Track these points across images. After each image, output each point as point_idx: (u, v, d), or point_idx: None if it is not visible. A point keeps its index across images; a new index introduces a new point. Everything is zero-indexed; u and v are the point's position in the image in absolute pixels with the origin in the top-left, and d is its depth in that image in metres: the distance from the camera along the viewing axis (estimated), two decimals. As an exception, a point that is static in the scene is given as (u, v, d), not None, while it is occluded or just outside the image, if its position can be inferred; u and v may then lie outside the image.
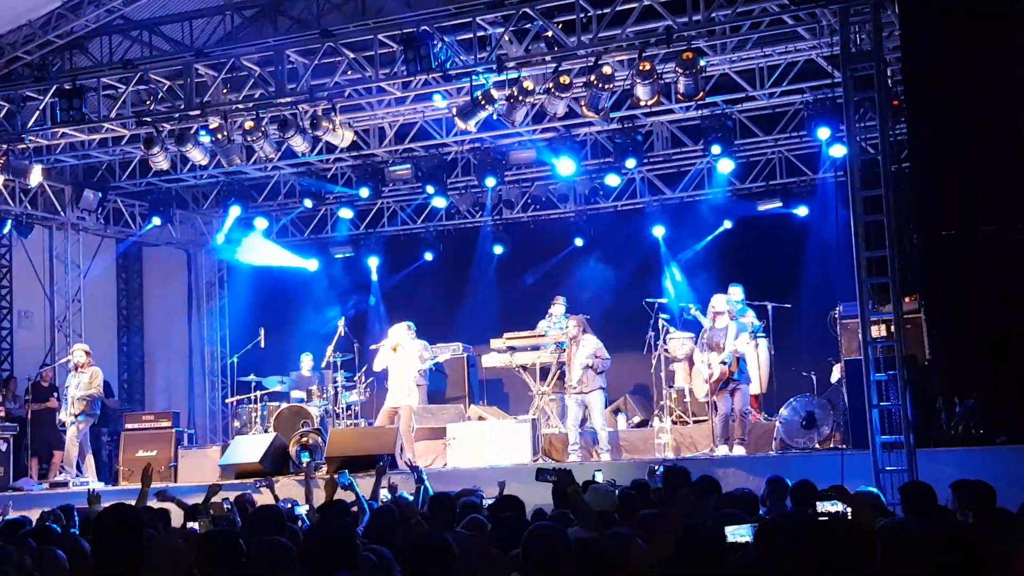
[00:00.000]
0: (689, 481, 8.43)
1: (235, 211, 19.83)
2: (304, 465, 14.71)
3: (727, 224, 19.18)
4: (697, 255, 19.40)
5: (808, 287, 17.16)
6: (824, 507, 5.89)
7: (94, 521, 5.51)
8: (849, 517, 5.76)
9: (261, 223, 21.09)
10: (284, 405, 17.90)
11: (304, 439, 15.81)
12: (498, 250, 20.59)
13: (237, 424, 18.68)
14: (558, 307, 17.41)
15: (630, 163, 17.63)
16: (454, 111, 15.42)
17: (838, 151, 15.71)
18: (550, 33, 14.35)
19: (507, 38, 14.60)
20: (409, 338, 16.49)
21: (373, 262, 21.61)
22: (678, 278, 19.40)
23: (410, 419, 16.02)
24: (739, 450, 14.28)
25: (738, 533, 5.96)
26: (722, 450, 14.36)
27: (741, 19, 14.12)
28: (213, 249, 22.70)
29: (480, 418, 16.72)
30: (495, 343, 17.01)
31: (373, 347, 16.96)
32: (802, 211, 18.52)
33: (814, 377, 15.38)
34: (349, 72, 15.36)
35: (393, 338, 16.44)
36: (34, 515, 11.12)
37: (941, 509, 6.97)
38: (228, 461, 16.17)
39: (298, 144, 15.77)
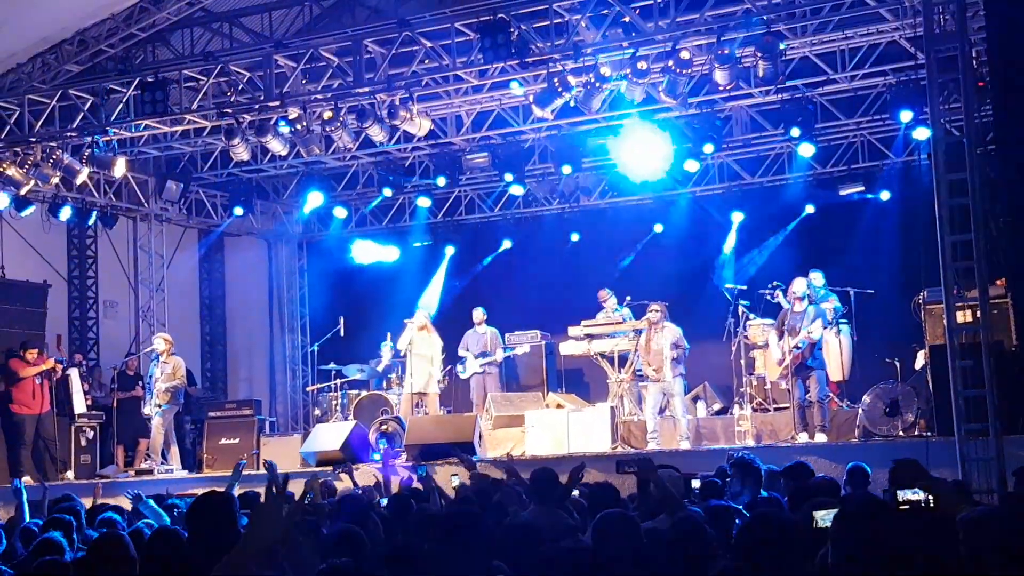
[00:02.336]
0: (757, 470, 8.34)
1: (316, 198, 19.91)
2: (382, 453, 14.81)
3: (809, 209, 18.94)
4: (779, 241, 19.19)
5: (891, 272, 16.87)
6: (905, 495, 5.76)
7: (189, 508, 5.56)
8: (931, 505, 5.63)
9: (340, 212, 21.26)
10: (364, 393, 18.04)
11: (384, 427, 15.90)
12: (575, 237, 20.54)
13: (318, 412, 18.87)
14: (609, 300, 17.34)
15: (707, 148, 17.45)
16: (531, 98, 15.38)
17: (922, 134, 15.42)
18: (627, 18, 14.25)
19: (584, 24, 14.52)
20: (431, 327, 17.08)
21: (450, 251, 21.66)
22: (759, 264, 19.19)
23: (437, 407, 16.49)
24: (820, 437, 14.13)
25: (827, 519, 5.88)
26: (802, 438, 14.21)
27: (822, 1, 13.93)
28: (293, 239, 22.96)
29: (558, 406, 16.69)
30: (573, 331, 16.98)
31: (406, 321, 17.30)
32: (884, 195, 18.27)
33: (898, 364, 15.15)
34: (426, 61, 15.40)
35: (420, 319, 16.77)
36: (123, 501, 11.33)
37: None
38: (309, 449, 16.33)
39: (376, 134, 15.84)
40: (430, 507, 8.54)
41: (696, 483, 9.21)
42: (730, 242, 19.57)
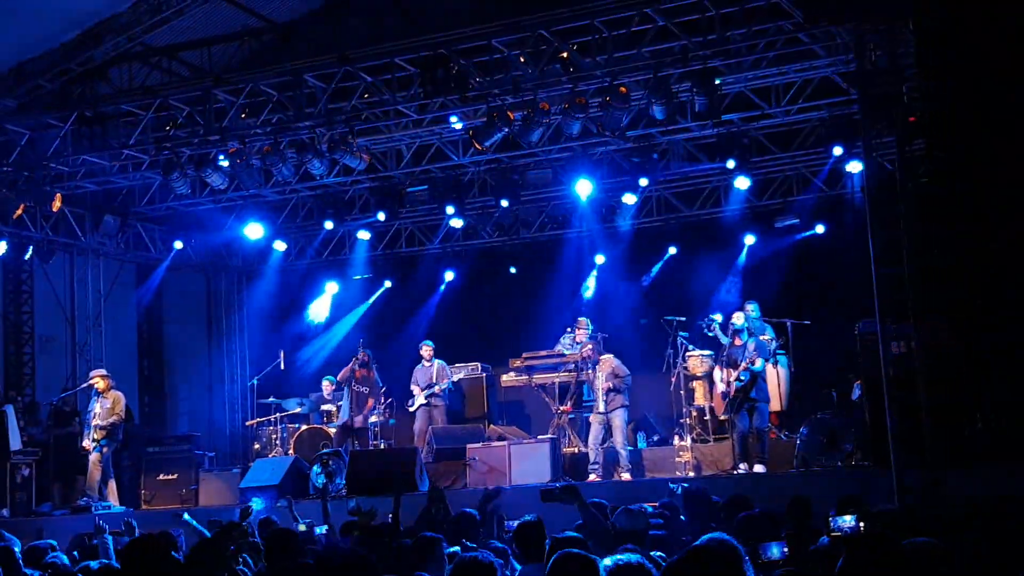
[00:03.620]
0: (708, 502, 8.42)
1: (255, 230, 19.85)
2: (321, 487, 14.76)
3: (749, 240, 19.18)
4: (714, 273, 19.39)
5: (826, 303, 17.13)
6: (839, 523, 5.89)
7: (125, 550, 5.58)
8: (862, 531, 5.77)
9: (280, 245, 21.20)
10: (304, 427, 17.98)
11: (325, 460, 15.85)
12: (513, 270, 20.64)
13: (257, 446, 18.75)
14: (582, 331, 17.43)
15: (643, 181, 17.66)
16: (471, 132, 15.48)
17: (854, 167, 15.74)
18: (566, 54, 14.41)
19: (523, 59, 14.66)
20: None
21: (387, 284, 21.69)
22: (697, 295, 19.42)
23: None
24: (759, 468, 14.29)
25: (770, 552, 5.96)
26: (742, 468, 14.36)
27: (757, 38, 14.18)
28: (232, 272, 22.88)
29: (500, 437, 16.73)
30: (513, 362, 17.05)
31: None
32: (819, 228, 18.58)
33: (835, 394, 15.36)
34: (366, 95, 15.45)
35: (362, 357, 16.88)
36: (60, 540, 11.21)
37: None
38: (249, 483, 16.24)
39: (316, 167, 15.86)
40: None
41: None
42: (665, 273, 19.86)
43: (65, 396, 18.53)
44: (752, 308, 16.40)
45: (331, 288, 22.01)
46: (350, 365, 17.44)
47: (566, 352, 16.99)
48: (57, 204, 17.72)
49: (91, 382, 16.95)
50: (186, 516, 11.14)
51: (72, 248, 20.14)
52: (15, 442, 17.15)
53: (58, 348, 20.15)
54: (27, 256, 18.95)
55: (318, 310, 21.61)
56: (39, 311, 19.99)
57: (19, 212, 17.07)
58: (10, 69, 16.45)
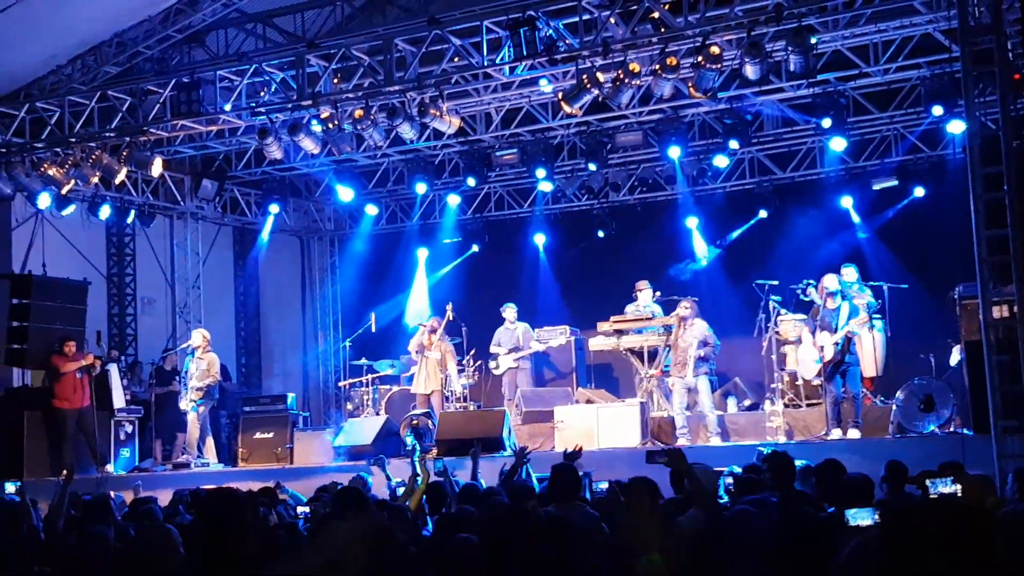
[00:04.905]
0: (791, 466, 8.33)
1: (346, 193, 20.01)
2: (410, 448, 14.88)
3: (846, 202, 18.84)
4: (809, 236, 19.09)
5: (926, 267, 16.80)
6: (936, 487, 5.81)
7: (201, 501, 5.70)
8: (960, 496, 5.68)
9: (372, 209, 21.39)
10: (395, 388, 18.16)
11: (415, 422, 16.00)
12: (601, 234, 20.54)
13: (350, 407, 18.99)
14: (645, 292, 17.36)
15: (733, 144, 17.46)
16: (560, 95, 15.40)
17: (956, 127, 15.36)
18: (656, 14, 14.23)
19: (613, 20, 14.52)
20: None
21: (475, 248, 21.73)
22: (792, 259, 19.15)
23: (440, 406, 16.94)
24: (854, 433, 14.08)
25: (858, 516, 5.90)
26: (836, 434, 14.17)
27: (855, -6, 13.89)
28: (326, 236, 23.16)
29: (588, 401, 16.71)
30: (602, 326, 16.97)
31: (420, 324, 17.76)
32: (919, 191, 18.19)
33: (932, 360, 15.08)
34: (456, 59, 15.44)
35: (432, 323, 17.18)
36: (160, 495, 11.50)
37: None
38: (342, 443, 16.47)
39: (406, 131, 15.90)
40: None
41: (728, 479, 9.24)
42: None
43: (166, 356, 18.96)
44: (849, 272, 16.13)
45: (422, 264, 22.06)
46: (418, 334, 17.50)
47: (654, 315, 16.85)
48: (157, 169, 18.10)
49: (191, 341, 17.34)
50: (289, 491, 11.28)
51: (172, 212, 20.62)
52: (118, 400, 17.67)
53: (159, 309, 20.66)
54: (129, 220, 19.44)
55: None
56: (141, 273, 20.52)
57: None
58: (111, 37, 16.74)
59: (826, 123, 16.51)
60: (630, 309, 17.21)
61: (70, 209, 17.90)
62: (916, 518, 4.48)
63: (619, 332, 16.72)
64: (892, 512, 4.77)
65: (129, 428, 17.68)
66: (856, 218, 18.93)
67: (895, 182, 18.25)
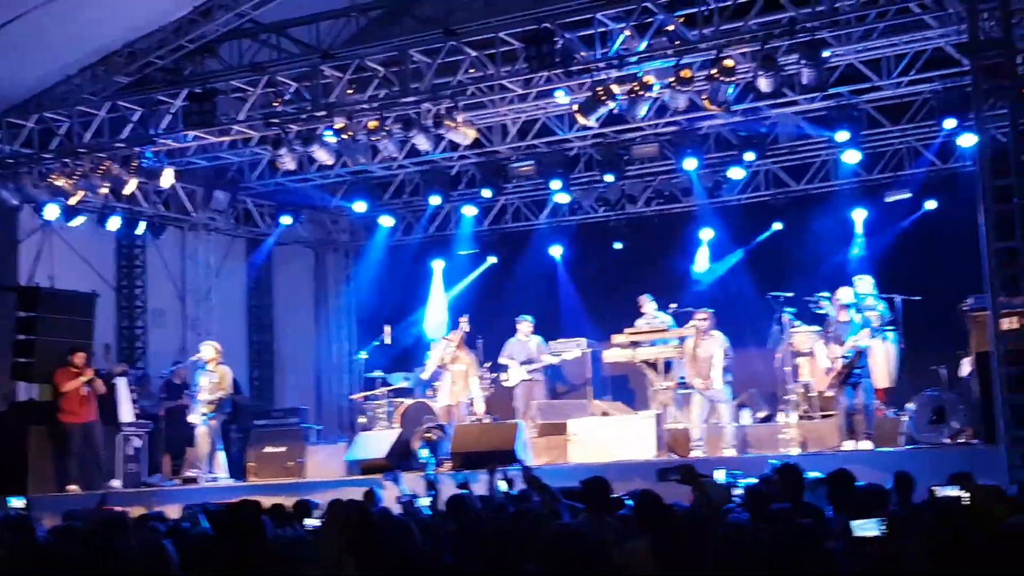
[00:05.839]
0: (800, 477, 8.34)
1: (361, 206, 20.07)
2: (425, 461, 14.87)
3: (859, 214, 18.84)
4: (823, 248, 19.10)
5: (937, 279, 16.77)
6: (944, 492, 5.84)
7: (219, 515, 5.69)
8: (967, 503, 5.70)
9: (387, 221, 21.42)
10: (409, 401, 18.12)
11: (428, 435, 15.98)
12: (618, 245, 20.56)
13: (363, 420, 18.95)
14: (648, 305, 17.38)
15: (748, 156, 17.50)
16: (575, 107, 15.43)
17: (968, 140, 15.38)
18: (671, 27, 14.27)
19: (628, 33, 14.56)
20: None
21: (492, 260, 21.73)
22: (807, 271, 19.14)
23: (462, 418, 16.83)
24: (866, 444, 14.07)
25: (864, 527, 5.91)
26: (848, 445, 14.16)
27: (867, 8, 13.92)
28: (340, 248, 23.19)
29: (603, 413, 16.70)
30: (617, 338, 16.94)
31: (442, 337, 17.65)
32: (931, 204, 18.21)
33: (943, 371, 15.05)
34: (471, 70, 15.48)
35: (455, 336, 16.97)
36: (170, 510, 11.49)
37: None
38: (354, 456, 16.45)
39: (422, 143, 15.95)
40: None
41: (738, 490, 9.23)
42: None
43: (176, 369, 18.91)
44: (863, 284, 16.14)
45: (438, 276, 22.07)
46: (441, 347, 17.45)
47: (670, 327, 16.85)
48: (168, 179, 18.05)
49: (201, 354, 17.18)
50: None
51: (183, 223, 20.59)
52: (127, 414, 17.60)
53: (170, 322, 20.62)
54: (139, 231, 19.37)
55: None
56: (151, 285, 20.44)
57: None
58: (122, 47, 16.80)
59: (840, 136, 16.52)
60: (641, 323, 17.23)
61: (79, 220, 17.87)
62: (921, 526, 4.51)
63: (634, 344, 16.69)
64: (898, 521, 4.80)
65: (138, 443, 17.56)
66: (870, 230, 18.91)
67: (908, 195, 18.27)
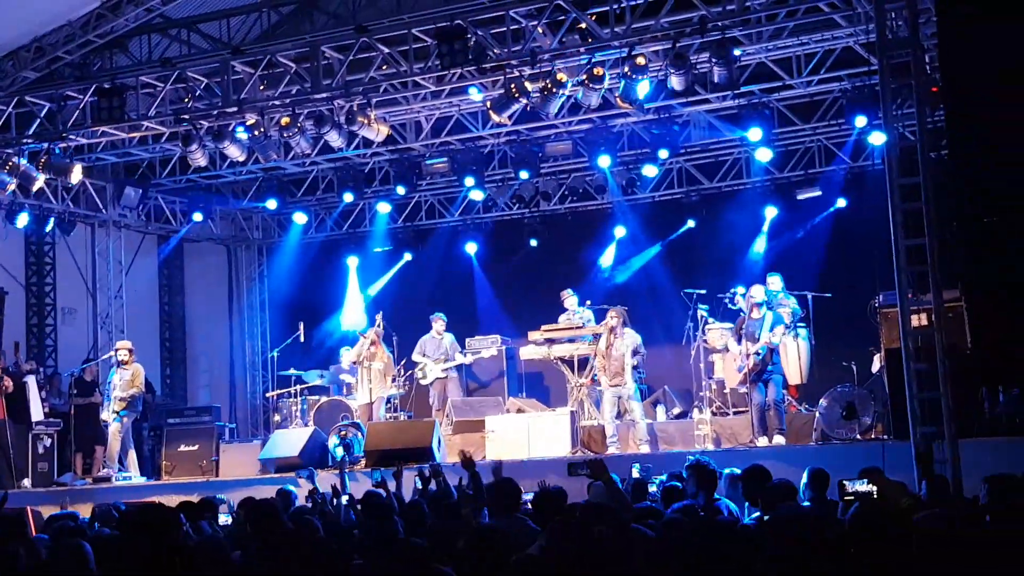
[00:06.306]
0: (712, 474, 8.44)
1: (273, 203, 19.90)
2: (340, 459, 14.79)
3: (771, 212, 19.05)
4: (736, 245, 19.30)
5: (848, 276, 17.02)
6: (854, 487, 5.96)
7: (127, 517, 5.62)
8: (875, 496, 5.83)
9: (300, 218, 21.25)
10: (324, 399, 18.01)
11: (343, 433, 15.89)
12: (534, 242, 20.60)
13: (277, 418, 18.81)
14: (570, 299, 17.48)
15: (663, 153, 17.62)
16: (488, 104, 15.41)
17: (877, 139, 15.62)
18: (584, 25, 14.30)
19: (540, 30, 14.57)
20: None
21: (407, 256, 21.65)
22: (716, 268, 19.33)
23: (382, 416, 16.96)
24: (778, 440, 14.24)
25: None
26: (762, 441, 14.32)
27: (777, 7, 14.08)
28: (253, 245, 22.95)
29: (519, 410, 16.71)
30: (533, 335, 16.98)
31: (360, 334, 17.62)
32: (841, 202, 18.48)
33: (855, 367, 15.27)
34: (384, 67, 15.39)
35: (371, 334, 16.95)
36: (83, 510, 11.28)
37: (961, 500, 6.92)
38: (268, 455, 16.30)
39: (334, 139, 15.84)
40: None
41: (652, 487, 9.31)
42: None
43: (86, 367, 18.62)
44: (774, 281, 16.34)
45: (353, 272, 21.95)
46: (359, 345, 17.42)
47: (584, 324, 16.91)
48: (77, 175, 17.73)
49: (115, 353, 17.01)
50: None
51: (93, 220, 20.25)
52: (36, 413, 17.29)
53: (80, 320, 20.28)
54: (48, 228, 19.02)
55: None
56: (61, 283, 20.14)
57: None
58: (30, 41, 16.45)
59: (752, 134, 16.68)
60: (563, 319, 17.26)
61: (-15, 217, 17.52)
62: (796, 526, 4.57)
63: (550, 341, 16.74)
64: (774, 521, 4.87)
65: (48, 441, 17.29)
66: (782, 228, 19.13)
67: (818, 192, 18.53)
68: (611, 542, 5.42)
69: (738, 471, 9.21)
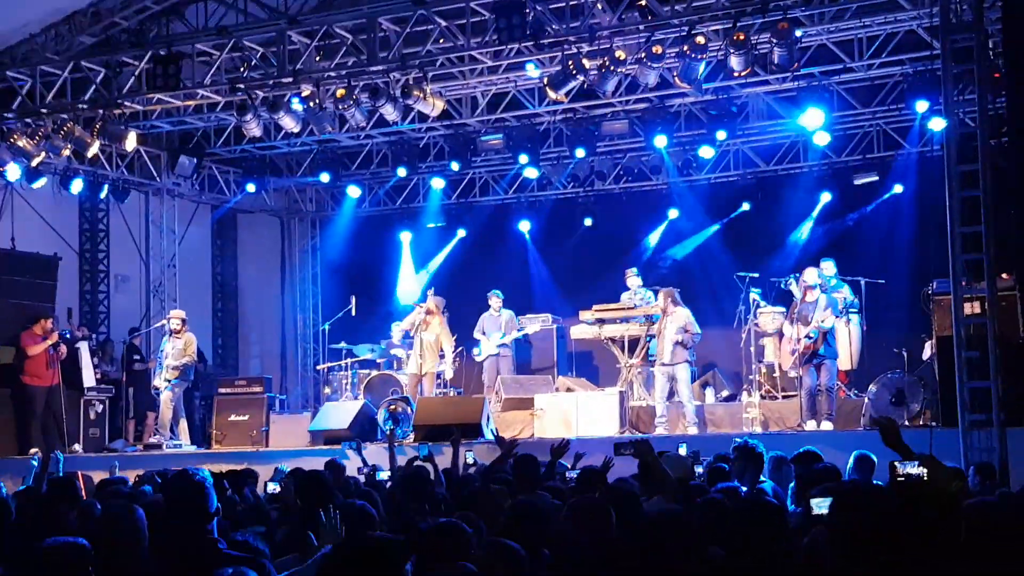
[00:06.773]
0: (759, 456, 8.38)
1: (327, 176, 19.93)
2: (388, 433, 14.82)
3: (827, 196, 18.86)
4: (789, 229, 19.13)
5: (903, 262, 16.83)
6: (904, 468, 5.88)
7: (166, 483, 5.65)
8: (925, 479, 5.75)
9: (354, 191, 21.27)
10: (374, 373, 18.07)
11: (392, 407, 15.92)
12: (588, 222, 20.52)
13: (328, 390, 18.89)
14: (633, 279, 17.40)
15: (720, 135, 17.44)
16: (545, 80, 15.32)
17: (937, 124, 15.37)
18: (643, 2, 14.16)
19: (600, 7, 14.45)
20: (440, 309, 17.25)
21: (461, 233, 21.64)
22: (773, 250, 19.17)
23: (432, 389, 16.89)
24: (827, 425, 14.12)
25: (823, 506, 5.91)
26: (810, 425, 14.20)
27: (839, -12, 13.87)
28: (306, 217, 23.05)
29: (568, 389, 16.70)
30: (584, 315, 16.96)
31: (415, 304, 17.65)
32: (898, 188, 18.25)
33: (905, 354, 15.10)
34: (441, 40, 15.33)
35: (428, 303, 16.88)
36: (130, 475, 11.40)
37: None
38: (317, 427, 16.39)
39: (389, 113, 15.81)
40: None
41: (699, 468, 9.24)
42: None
43: (138, 335, 18.79)
44: (828, 266, 16.18)
45: (407, 247, 21.96)
46: (414, 313, 17.43)
47: (636, 305, 16.85)
48: (132, 143, 17.85)
49: (168, 321, 17.17)
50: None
51: (147, 188, 20.37)
52: (88, 379, 17.50)
53: (132, 287, 20.43)
54: (102, 195, 19.10)
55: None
56: (114, 250, 20.27)
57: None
58: (87, 6, 16.52)
59: (811, 117, 16.43)
60: (625, 297, 17.23)
61: (41, 182, 17.56)
62: (867, 501, 4.50)
63: (601, 321, 16.73)
64: (843, 496, 4.79)
65: (99, 407, 17.49)
66: (835, 213, 18.94)
67: (876, 178, 18.30)
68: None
69: (782, 454, 9.13)
